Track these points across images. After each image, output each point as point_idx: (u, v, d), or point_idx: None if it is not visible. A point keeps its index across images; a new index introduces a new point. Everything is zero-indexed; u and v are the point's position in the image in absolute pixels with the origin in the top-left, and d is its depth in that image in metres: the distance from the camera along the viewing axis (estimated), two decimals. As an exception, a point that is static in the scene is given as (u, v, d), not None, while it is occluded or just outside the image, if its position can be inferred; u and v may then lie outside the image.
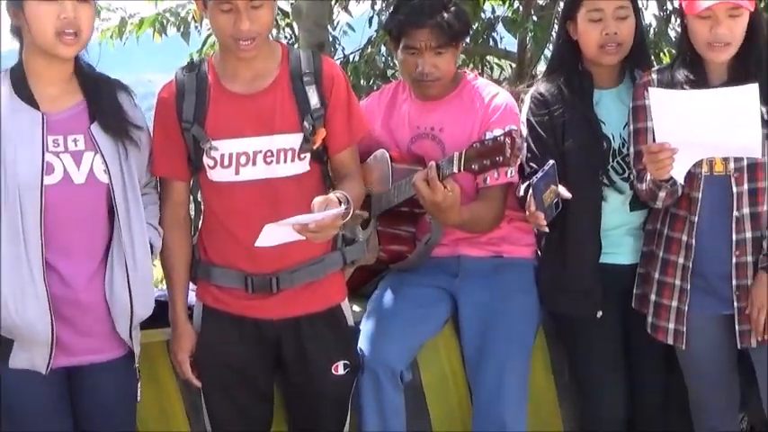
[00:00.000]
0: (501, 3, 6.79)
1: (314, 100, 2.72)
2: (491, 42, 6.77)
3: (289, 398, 2.99)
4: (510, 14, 6.58)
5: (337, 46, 7.13)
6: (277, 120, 2.70)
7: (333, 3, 6.63)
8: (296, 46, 5.82)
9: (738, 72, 2.81)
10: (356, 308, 3.16)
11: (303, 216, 2.45)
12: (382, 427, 2.97)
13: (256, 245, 2.53)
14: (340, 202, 2.52)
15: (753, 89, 2.64)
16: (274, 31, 6.75)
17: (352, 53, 7.11)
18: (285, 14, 6.38)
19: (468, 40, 6.54)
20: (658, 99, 2.74)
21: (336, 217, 2.48)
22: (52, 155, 2.47)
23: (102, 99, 2.59)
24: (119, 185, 2.55)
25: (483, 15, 6.63)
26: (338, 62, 6.93)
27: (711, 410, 3.10)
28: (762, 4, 5.07)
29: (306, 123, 2.70)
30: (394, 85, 3.31)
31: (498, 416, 2.95)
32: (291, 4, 5.97)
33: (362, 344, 2.99)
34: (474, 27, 6.48)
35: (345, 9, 6.94)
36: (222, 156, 2.70)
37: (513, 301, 3.05)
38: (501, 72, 6.90)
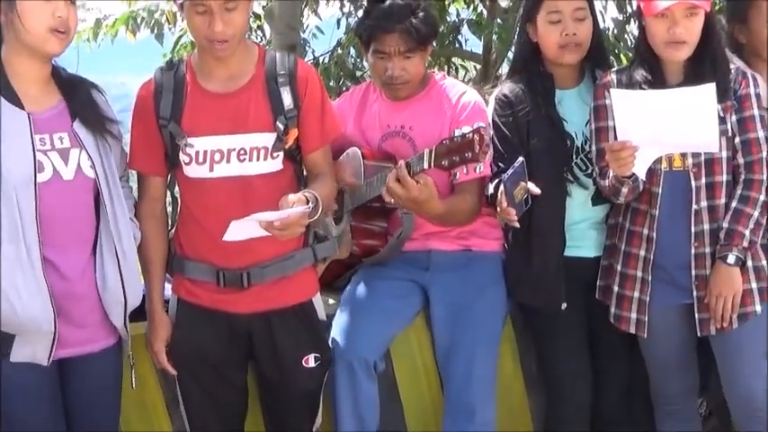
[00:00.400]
0: (465, 6, 6.79)
1: (287, 101, 2.69)
2: (456, 44, 6.77)
3: (262, 390, 2.96)
4: (475, 17, 6.57)
5: (307, 48, 7.08)
6: (251, 119, 2.67)
7: (303, 6, 6.59)
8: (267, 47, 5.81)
9: (694, 71, 2.81)
10: (331, 300, 3.14)
11: (268, 213, 2.44)
12: (356, 416, 2.94)
13: (224, 239, 2.51)
14: (308, 201, 2.50)
15: (710, 88, 2.65)
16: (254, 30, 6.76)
17: (321, 55, 7.08)
18: (257, 17, 6.35)
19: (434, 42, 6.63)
20: (619, 99, 2.74)
21: (301, 215, 2.47)
22: (41, 153, 2.45)
23: (79, 98, 2.57)
24: (104, 179, 2.53)
25: (448, 18, 6.64)
26: (309, 64, 6.95)
27: (672, 396, 3.09)
28: (717, 7, 5.10)
29: (279, 123, 2.67)
30: (365, 85, 3.29)
31: (468, 403, 2.93)
32: (264, 6, 5.93)
33: (336, 335, 2.97)
34: (440, 30, 6.52)
35: (315, 12, 6.89)
36: (197, 152, 2.68)
37: (482, 294, 3.03)
38: (466, 73, 6.89)
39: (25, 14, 2.36)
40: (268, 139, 2.67)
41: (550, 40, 2.99)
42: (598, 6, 5.65)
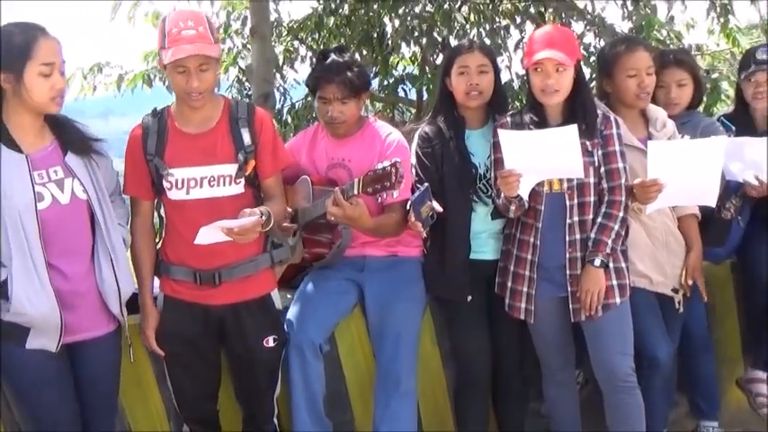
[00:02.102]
0: (410, 63, 6.82)
1: (246, 139, 2.74)
2: (402, 93, 6.79)
3: (232, 366, 2.96)
4: (415, 72, 6.61)
5: (287, 96, 7.08)
6: (218, 153, 2.72)
7: (281, 63, 6.61)
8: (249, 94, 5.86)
9: (570, 114, 2.86)
10: (288, 295, 3.14)
11: (228, 221, 2.52)
12: (306, 388, 2.94)
13: (195, 242, 2.57)
14: (262, 215, 2.57)
15: (572, 129, 2.71)
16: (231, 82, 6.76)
17: (297, 101, 7.09)
18: (242, 71, 6.36)
19: (384, 92, 6.66)
20: (504, 137, 2.80)
21: (255, 224, 2.54)
22: (40, 186, 2.47)
23: (67, 134, 2.59)
24: (95, 199, 2.56)
25: (395, 73, 6.67)
26: (286, 108, 6.97)
27: (554, 368, 3.13)
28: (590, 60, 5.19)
29: (240, 156, 2.72)
30: (315, 125, 3.28)
31: (395, 375, 2.96)
32: (246, 66, 5.96)
33: (290, 323, 2.98)
34: (388, 82, 6.56)
35: (292, 67, 6.88)
36: (177, 180, 2.71)
37: (406, 289, 3.05)
38: (403, 114, 6.89)
39: (32, 89, 2.40)
40: (232, 168, 2.71)
41: (459, 88, 3.03)
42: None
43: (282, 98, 6.98)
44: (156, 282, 2.89)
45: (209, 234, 2.56)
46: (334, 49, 3.14)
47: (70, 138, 2.58)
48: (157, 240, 2.90)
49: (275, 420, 2.99)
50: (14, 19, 2.57)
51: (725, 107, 4.52)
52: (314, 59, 5.79)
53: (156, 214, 2.90)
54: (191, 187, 2.71)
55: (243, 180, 2.73)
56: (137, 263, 2.84)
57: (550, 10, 5.56)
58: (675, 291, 3.13)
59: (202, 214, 2.66)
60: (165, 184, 2.72)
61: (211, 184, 2.71)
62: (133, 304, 2.80)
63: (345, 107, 2.97)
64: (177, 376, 2.89)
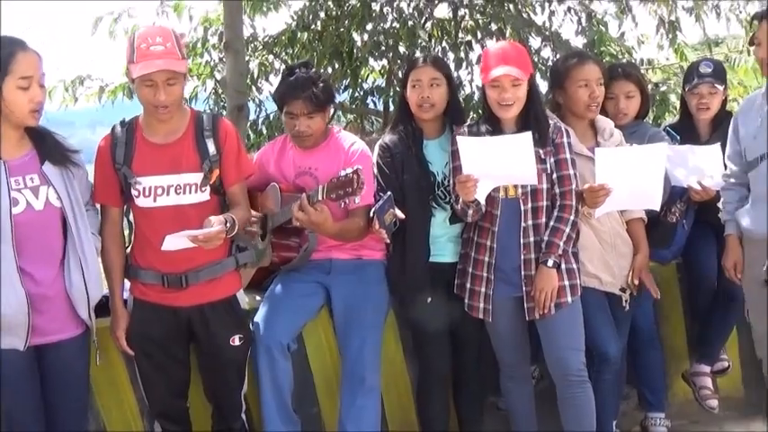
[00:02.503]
0: (379, 76, 6.82)
1: (211, 149, 2.72)
2: (371, 104, 6.79)
3: (201, 364, 2.93)
4: (383, 84, 6.61)
5: (262, 107, 7.03)
6: (184, 162, 2.69)
7: (256, 76, 6.58)
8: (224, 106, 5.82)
9: (524, 125, 2.86)
10: (258, 297, 3.11)
11: (193, 231, 2.52)
12: (275, 386, 2.92)
13: (162, 249, 2.56)
14: (226, 222, 2.57)
15: (526, 136, 2.71)
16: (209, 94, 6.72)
17: (272, 112, 7.04)
18: (218, 82, 6.32)
19: (354, 103, 6.66)
20: (463, 144, 2.79)
21: (219, 232, 2.54)
22: (15, 191, 2.43)
23: (46, 144, 2.56)
24: (69, 207, 2.53)
25: (364, 86, 6.67)
26: (261, 119, 6.92)
27: (511, 364, 3.12)
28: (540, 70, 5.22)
29: (205, 165, 2.70)
30: (284, 136, 3.25)
31: (360, 373, 2.95)
32: (221, 78, 5.93)
33: (259, 323, 2.95)
34: (358, 94, 6.55)
35: (267, 80, 6.84)
36: (144, 188, 2.68)
37: (370, 291, 3.03)
38: (374, 124, 6.90)
39: (11, 103, 2.38)
40: (197, 177, 2.69)
41: (412, 101, 3.03)
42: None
43: (258, 109, 6.94)
44: (127, 284, 2.86)
45: (175, 241, 2.56)
46: (300, 64, 3.12)
47: (48, 148, 2.55)
48: (127, 245, 2.86)
49: (243, 416, 2.97)
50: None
51: (672, 118, 4.56)
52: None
53: (125, 220, 2.85)
54: (158, 195, 2.68)
55: (208, 188, 2.71)
56: (107, 267, 2.80)
57: (509, 26, 5.59)
58: (623, 290, 3.14)
59: (169, 221, 2.64)
60: (133, 192, 2.69)
61: (178, 191, 2.69)
62: (103, 308, 2.77)
63: (312, 121, 2.96)
64: (148, 375, 2.85)
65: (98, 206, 2.78)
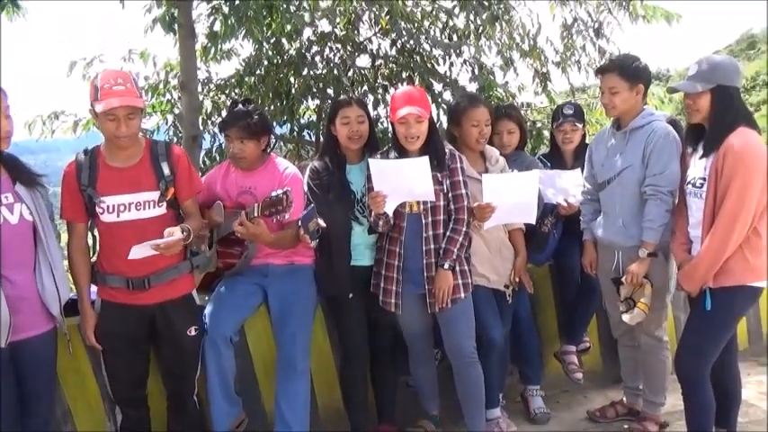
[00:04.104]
0: (313, 113, 6.74)
1: (166, 170, 2.63)
2: (307, 136, 6.70)
3: (161, 353, 2.81)
4: (314, 119, 6.54)
5: (216, 138, 6.82)
6: (143, 183, 2.60)
7: (210, 111, 6.42)
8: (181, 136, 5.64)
9: (425, 153, 2.82)
10: (206, 297, 2.99)
11: (155, 241, 2.45)
12: (220, 373, 2.84)
13: (129, 258, 2.48)
14: (183, 231, 2.51)
15: (424, 160, 2.70)
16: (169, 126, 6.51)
17: (224, 142, 6.85)
18: (176, 117, 6.13)
19: (292, 135, 6.56)
20: (374, 166, 2.78)
21: (178, 240, 2.48)
22: None
23: (17, 168, 2.45)
24: (39, 221, 2.43)
25: (301, 121, 6.59)
26: (215, 147, 6.73)
27: (418, 349, 3.10)
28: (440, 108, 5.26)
29: (161, 185, 2.61)
30: (227, 161, 3.14)
31: (292, 358, 2.88)
32: (179, 113, 5.75)
33: (207, 319, 2.85)
34: (295, 128, 6.46)
35: (219, 115, 6.65)
36: (108, 206, 2.57)
37: (301, 290, 2.96)
38: (309, 153, 6.80)
39: None
40: (155, 195, 2.60)
41: (342, 134, 2.99)
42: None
43: (212, 140, 6.76)
44: (94, 289, 2.72)
45: (141, 251, 2.48)
46: (243, 101, 3.05)
47: (19, 172, 2.45)
48: (92, 255, 2.72)
49: (195, 398, 2.86)
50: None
51: (545, 148, 4.65)
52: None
53: (90, 234, 2.71)
54: (120, 211, 2.57)
55: (165, 203, 2.62)
56: (75, 275, 2.67)
57: (417, 74, 5.63)
58: (506, 287, 3.18)
59: (132, 232, 2.54)
60: (98, 210, 2.57)
61: (138, 208, 2.58)
62: (71, 308, 2.64)
63: (243, 145, 2.88)
64: (113, 367, 2.72)
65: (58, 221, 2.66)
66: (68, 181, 2.61)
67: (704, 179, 2.68)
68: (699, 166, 2.74)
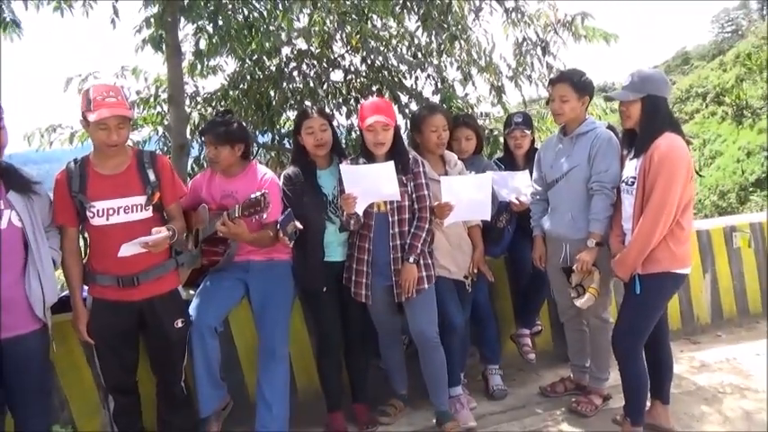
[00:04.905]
0: (293, 123, 6.67)
1: (152, 177, 2.59)
2: (287, 144, 6.62)
3: (150, 345, 2.76)
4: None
5: (203, 147, 6.73)
6: (131, 188, 2.55)
7: (197, 122, 6.32)
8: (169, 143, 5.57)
9: (391, 158, 2.83)
10: (191, 291, 2.97)
11: (143, 238, 2.42)
12: (206, 361, 2.81)
13: (119, 255, 2.44)
14: (168, 230, 2.48)
15: (390, 164, 2.71)
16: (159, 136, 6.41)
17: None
18: (165, 128, 6.04)
19: (273, 143, 6.49)
20: (345, 170, 2.77)
21: (164, 238, 2.44)
22: None
23: (11, 176, 2.38)
24: (29, 227, 2.35)
25: (282, 130, 6.52)
26: (203, 155, 6.63)
27: (387, 334, 3.11)
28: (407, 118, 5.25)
29: (147, 190, 2.56)
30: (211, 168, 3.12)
31: (272, 346, 2.85)
32: (168, 124, 5.67)
33: (193, 311, 2.82)
34: (276, 137, 6.38)
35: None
36: (98, 210, 2.52)
37: (280, 284, 2.94)
38: (289, 159, 6.73)
39: None
40: (142, 199, 2.56)
41: (309, 143, 2.96)
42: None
43: (200, 148, 6.66)
44: (85, 287, 2.66)
45: (130, 248, 2.44)
46: (223, 112, 3.03)
47: (13, 180, 2.37)
48: (84, 257, 2.66)
49: (182, 384, 2.81)
50: None
51: (500, 153, 4.69)
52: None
53: (81, 237, 2.65)
54: (110, 215, 2.52)
55: (151, 207, 2.57)
56: (67, 275, 2.61)
57: (386, 87, 5.63)
58: (466, 277, 3.18)
59: (120, 234, 2.49)
60: (89, 214, 2.52)
61: (126, 211, 2.54)
62: (65, 306, 2.60)
63: (218, 151, 2.85)
64: (105, 358, 2.67)
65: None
66: (60, 188, 2.55)
67: (635, 178, 2.73)
68: (630, 167, 2.79)
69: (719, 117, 23.42)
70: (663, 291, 2.77)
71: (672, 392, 3.06)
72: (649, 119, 2.69)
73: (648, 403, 2.96)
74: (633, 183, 2.73)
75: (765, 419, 3.11)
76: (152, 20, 4.68)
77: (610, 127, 3.15)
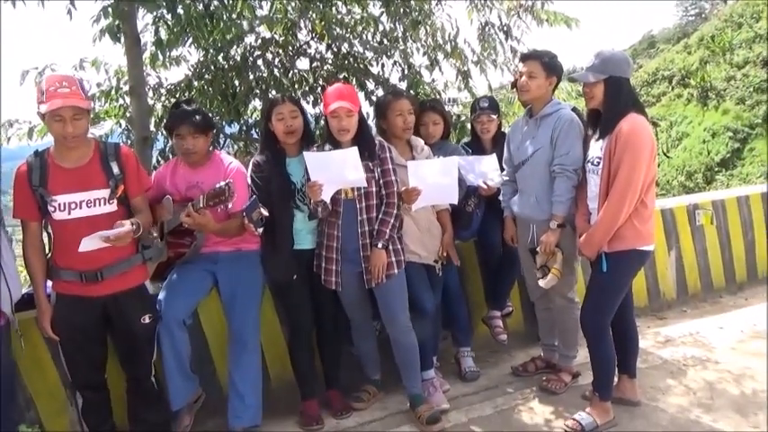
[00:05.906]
0: (259, 113, 6.61)
1: (115, 169, 2.55)
2: (254, 134, 6.55)
3: (117, 341, 2.73)
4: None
5: (168, 139, 6.61)
6: (93, 181, 2.51)
7: (161, 114, 6.21)
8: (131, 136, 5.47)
9: (356, 145, 2.83)
10: (159, 284, 2.93)
11: (104, 232, 2.37)
12: (175, 355, 2.80)
13: (79, 250, 2.39)
14: (133, 224, 2.43)
15: (354, 150, 2.71)
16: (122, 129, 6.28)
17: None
18: (129, 121, 5.93)
19: (239, 133, 6.42)
20: (309, 158, 2.77)
21: (126, 233, 2.39)
22: None
23: None
24: None
25: (249, 120, 6.45)
26: (168, 147, 6.53)
27: (359, 321, 3.13)
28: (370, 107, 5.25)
29: (111, 183, 2.53)
30: (175, 159, 3.09)
31: (243, 336, 2.86)
32: (130, 116, 5.55)
33: (161, 304, 2.80)
34: (243, 127, 6.31)
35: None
36: (60, 204, 2.47)
37: (248, 274, 2.93)
38: (256, 149, 6.67)
39: None
40: (105, 192, 2.52)
41: (279, 130, 2.96)
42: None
43: (165, 140, 6.55)
44: (49, 283, 2.62)
45: (91, 243, 2.38)
46: (184, 101, 3.00)
47: None
48: (47, 252, 2.61)
49: (153, 379, 2.80)
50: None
51: (468, 138, 4.73)
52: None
53: (44, 232, 2.60)
54: (71, 209, 2.48)
55: (115, 200, 2.54)
56: (30, 271, 2.56)
57: (352, 74, 5.61)
58: (436, 261, 3.22)
59: (83, 229, 2.45)
60: (50, 208, 2.47)
61: (89, 205, 2.49)
62: (28, 303, 2.56)
63: (196, 141, 2.83)
64: (71, 355, 2.63)
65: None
66: (20, 182, 2.50)
67: (600, 158, 2.79)
68: (596, 147, 2.85)
69: (685, 99, 23.91)
70: (629, 268, 2.85)
71: (638, 367, 3.16)
72: (613, 100, 2.75)
73: (616, 378, 3.04)
74: (599, 163, 2.79)
75: (727, 389, 3.23)
76: (109, 9, 4.58)
77: (574, 109, 3.21)
